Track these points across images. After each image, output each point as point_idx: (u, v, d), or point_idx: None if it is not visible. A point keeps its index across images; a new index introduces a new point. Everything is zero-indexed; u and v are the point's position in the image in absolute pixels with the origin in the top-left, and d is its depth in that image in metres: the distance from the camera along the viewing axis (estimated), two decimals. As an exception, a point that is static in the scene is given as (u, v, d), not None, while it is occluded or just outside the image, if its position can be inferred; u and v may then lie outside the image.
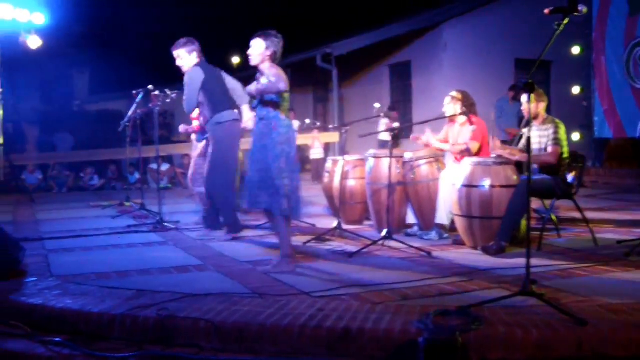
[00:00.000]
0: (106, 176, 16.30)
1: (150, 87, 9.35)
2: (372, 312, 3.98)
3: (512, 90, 12.56)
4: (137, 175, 16.04)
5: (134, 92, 9.83)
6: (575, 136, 12.70)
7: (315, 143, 16.17)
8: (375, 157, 7.53)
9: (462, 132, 7.26)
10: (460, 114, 7.03)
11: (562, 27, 3.91)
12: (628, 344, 3.53)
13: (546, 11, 3.97)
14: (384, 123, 14.40)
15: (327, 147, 16.82)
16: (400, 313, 3.95)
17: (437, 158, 7.17)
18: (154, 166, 15.97)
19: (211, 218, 7.55)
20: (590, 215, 6.81)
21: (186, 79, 7.08)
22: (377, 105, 7.43)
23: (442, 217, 6.90)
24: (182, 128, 8.66)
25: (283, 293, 4.58)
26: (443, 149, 7.34)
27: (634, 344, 3.53)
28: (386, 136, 13.30)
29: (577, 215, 7.61)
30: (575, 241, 6.75)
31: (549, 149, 6.45)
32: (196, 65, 7.13)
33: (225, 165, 7.11)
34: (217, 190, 7.06)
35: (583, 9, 3.94)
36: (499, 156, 6.56)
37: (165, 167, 15.87)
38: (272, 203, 5.45)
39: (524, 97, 6.63)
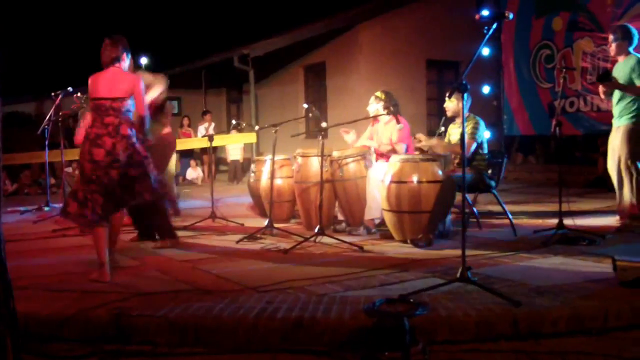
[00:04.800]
0: (19, 181, 15.87)
1: (70, 88, 9.25)
2: (319, 303, 4.18)
3: None
4: (51, 180, 15.70)
5: (53, 93, 9.69)
6: (486, 134, 13.24)
7: (233, 144, 16.26)
8: (303, 155, 7.72)
9: (385, 131, 7.55)
10: (387, 113, 7.32)
11: (491, 32, 4.20)
12: (558, 320, 3.87)
13: (477, 16, 4.25)
14: None
15: (243, 148, 16.93)
16: (347, 303, 4.17)
17: (364, 156, 7.41)
18: (69, 169, 15.69)
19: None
20: (506, 207, 7.22)
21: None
22: (305, 105, 7.61)
23: (371, 213, 7.15)
24: None
25: (229, 289, 4.73)
26: (369, 146, 7.61)
27: (563, 321, 3.87)
28: None
29: (493, 208, 8.05)
30: (495, 232, 7.16)
31: (465, 142, 6.78)
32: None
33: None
34: None
35: (509, 14, 4.23)
36: (424, 152, 6.92)
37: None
38: None
39: (456, 97, 6.93)
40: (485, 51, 12.81)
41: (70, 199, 5.35)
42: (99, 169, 5.26)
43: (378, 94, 7.63)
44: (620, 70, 6.95)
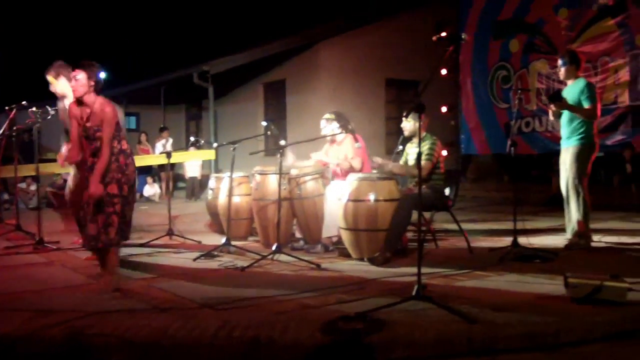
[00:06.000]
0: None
1: (24, 102, 9.10)
2: (277, 322, 4.17)
3: None
4: (5, 196, 15.42)
5: (7, 107, 9.53)
6: (443, 152, 13.41)
7: (191, 161, 16.18)
8: (262, 173, 7.72)
9: (341, 150, 7.60)
10: (347, 132, 7.38)
11: (448, 54, 4.28)
12: (512, 337, 3.93)
13: (434, 38, 4.32)
14: None
15: (202, 165, 16.88)
16: (304, 321, 4.17)
17: (322, 174, 7.44)
18: (23, 185, 15.44)
19: None
20: (463, 226, 7.31)
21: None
22: (264, 123, 7.62)
23: (329, 231, 7.17)
24: None
25: (186, 307, 4.70)
26: (328, 163, 7.65)
27: (517, 337, 3.93)
28: None
29: (449, 226, 8.13)
30: (452, 250, 7.25)
31: (421, 163, 6.86)
32: None
33: None
34: None
35: (465, 36, 4.32)
36: (380, 167, 7.00)
37: (34, 186, 15.34)
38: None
39: (412, 117, 6.99)
40: (443, 71, 12.97)
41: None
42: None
43: (327, 115, 7.67)
44: (570, 93, 7.16)
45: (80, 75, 5.53)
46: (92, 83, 5.56)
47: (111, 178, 5.47)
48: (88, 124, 5.52)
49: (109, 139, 5.46)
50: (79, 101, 5.59)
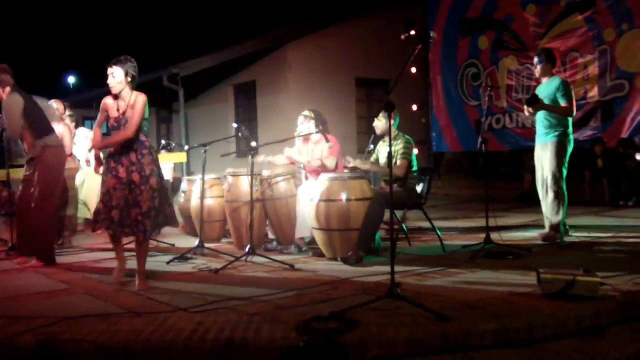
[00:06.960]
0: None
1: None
2: (250, 323, 4.15)
3: None
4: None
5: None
6: (415, 151, 13.48)
7: (163, 164, 16.08)
8: (234, 175, 7.69)
9: (315, 150, 7.58)
10: (317, 132, 7.36)
11: (416, 52, 4.29)
12: (485, 334, 3.95)
13: (402, 37, 4.33)
14: None
15: (173, 168, 16.78)
16: (278, 322, 4.16)
17: (294, 174, 7.43)
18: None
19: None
20: (435, 224, 7.34)
21: (6, 106, 6.86)
22: (235, 124, 7.60)
23: (302, 231, 7.16)
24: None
25: (159, 310, 4.65)
26: (298, 162, 7.63)
27: (490, 334, 3.95)
28: None
29: (422, 224, 8.17)
30: (425, 248, 7.27)
31: (398, 162, 6.94)
32: (13, 92, 6.90)
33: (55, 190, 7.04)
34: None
35: (433, 34, 4.33)
36: (353, 169, 6.99)
37: (5, 192, 15.13)
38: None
39: (381, 115, 7.05)
40: (412, 70, 13.03)
41: None
42: None
43: (307, 113, 7.64)
44: (544, 90, 7.23)
45: (117, 71, 5.54)
46: (129, 78, 5.56)
47: (151, 171, 5.63)
48: (123, 115, 5.57)
49: (137, 122, 5.52)
50: (116, 95, 5.62)
